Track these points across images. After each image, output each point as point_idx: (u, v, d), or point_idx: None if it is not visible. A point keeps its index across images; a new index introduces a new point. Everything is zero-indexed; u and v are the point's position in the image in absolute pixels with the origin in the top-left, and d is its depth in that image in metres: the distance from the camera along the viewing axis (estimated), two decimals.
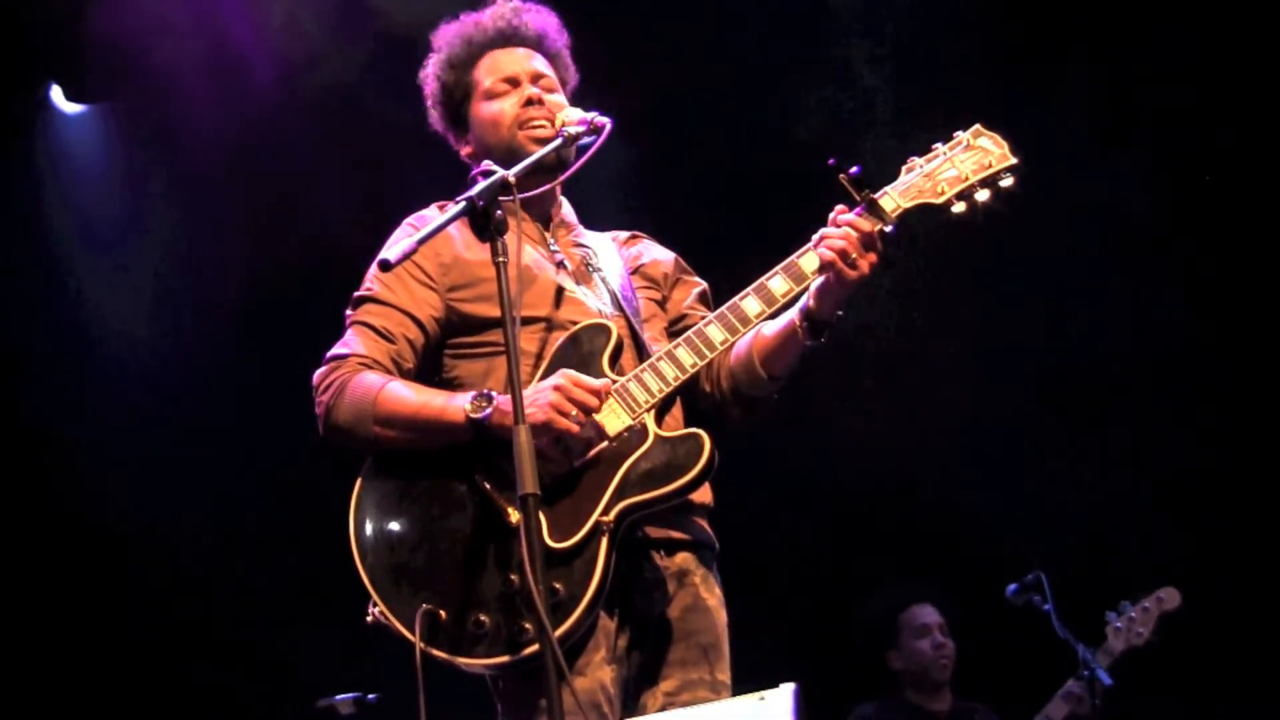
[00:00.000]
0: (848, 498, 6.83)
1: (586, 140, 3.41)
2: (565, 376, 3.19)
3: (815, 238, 3.33)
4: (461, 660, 3.17)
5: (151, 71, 6.45)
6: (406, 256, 3.06)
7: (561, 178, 3.47)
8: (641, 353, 3.43)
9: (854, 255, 3.27)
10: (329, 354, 3.41)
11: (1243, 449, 6.42)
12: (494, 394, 3.21)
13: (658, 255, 3.74)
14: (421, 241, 3.06)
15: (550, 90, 3.59)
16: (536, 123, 3.51)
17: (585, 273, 3.56)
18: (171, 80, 6.49)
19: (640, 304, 3.57)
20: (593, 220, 3.77)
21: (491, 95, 3.58)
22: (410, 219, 3.52)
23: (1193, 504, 6.38)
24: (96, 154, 6.96)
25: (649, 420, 3.29)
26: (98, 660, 6.77)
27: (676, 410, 3.47)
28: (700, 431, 3.28)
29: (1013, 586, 5.80)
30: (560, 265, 3.53)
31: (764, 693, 2.75)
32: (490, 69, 3.61)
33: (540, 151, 3.35)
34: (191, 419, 6.76)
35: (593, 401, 3.18)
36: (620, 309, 3.49)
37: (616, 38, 5.76)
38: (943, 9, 6.45)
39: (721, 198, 6.64)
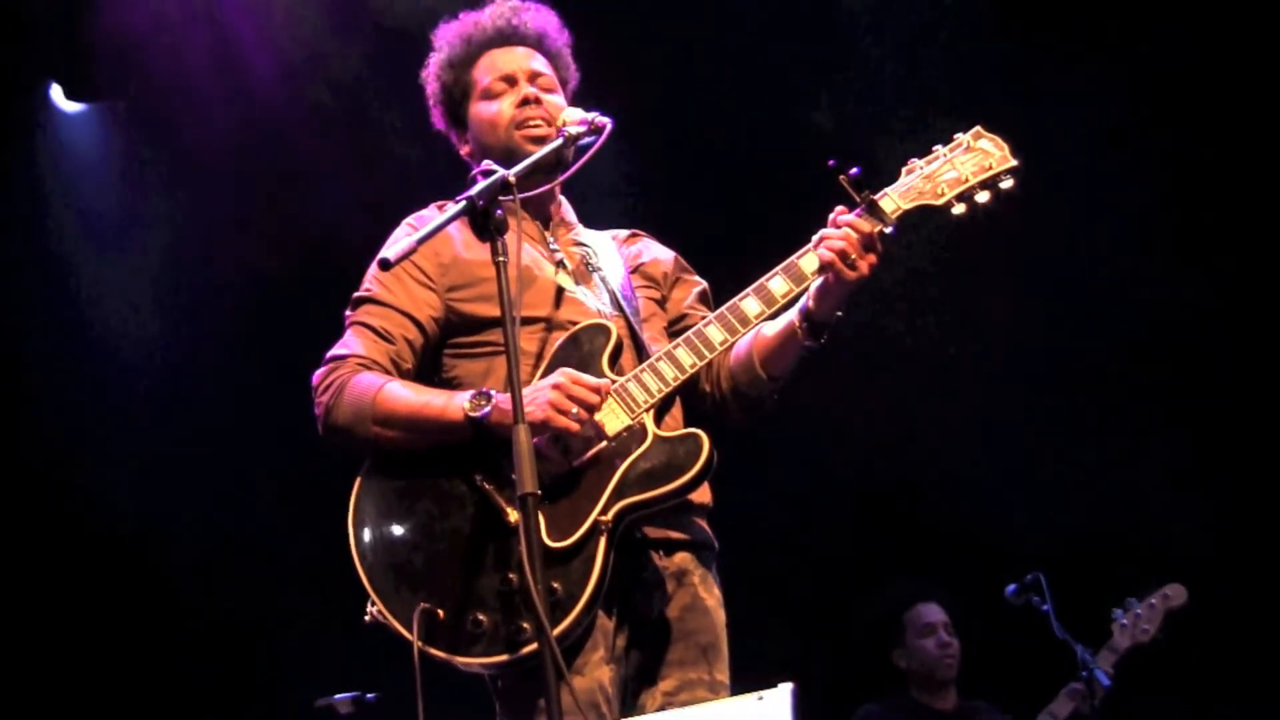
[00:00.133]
0: (848, 497, 6.83)
1: (587, 140, 3.41)
2: (565, 375, 3.19)
3: (815, 239, 3.33)
4: (459, 659, 3.17)
5: (152, 70, 6.46)
6: (406, 256, 3.07)
7: (561, 178, 3.47)
8: (641, 353, 3.43)
9: (854, 256, 3.27)
10: (328, 355, 3.42)
11: (1243, 449, 6.42)
12: (493, 393, 3.21)
13: (658, 254, 3.74)
14: (421, 241, 3.06)
15: (548, 90, 3.58)
16: (533, 123, 3.51)
17: (585, 272, 3.56)
18: (172, 79, 6.50)
19: (640, 303, 3.57)
20: (592, 220, 3.76)
21: (489, 95, 3.58)
22: (409, 219, 3.52)
23: (1195, 504, 6.38)
24: (96, 153, 6.95)
25: (648, 420, 3.29)
26: (97, 660, 6.77)
27: (676, 410, 3.47)
28: (699, 432, 3.28)
29: (1012, 587, 5.79)
30: (560, 264, 3.53)
31: (762, 693, 2.75)
32: (488, 68, 3.61)
33: (540, 151, 3.35)
34: (191, 418, 6.77)
35: (593, 399, 3.18)
36: (620, 308, 3.49)
37: (617, 37, 5.76)
38: (944, 9, 6.46)
39: (721, 198, 6.63)
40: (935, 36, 6.49)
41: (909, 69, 6.53)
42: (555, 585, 3.13)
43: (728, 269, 3.70)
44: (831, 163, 3.30)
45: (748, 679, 3.07)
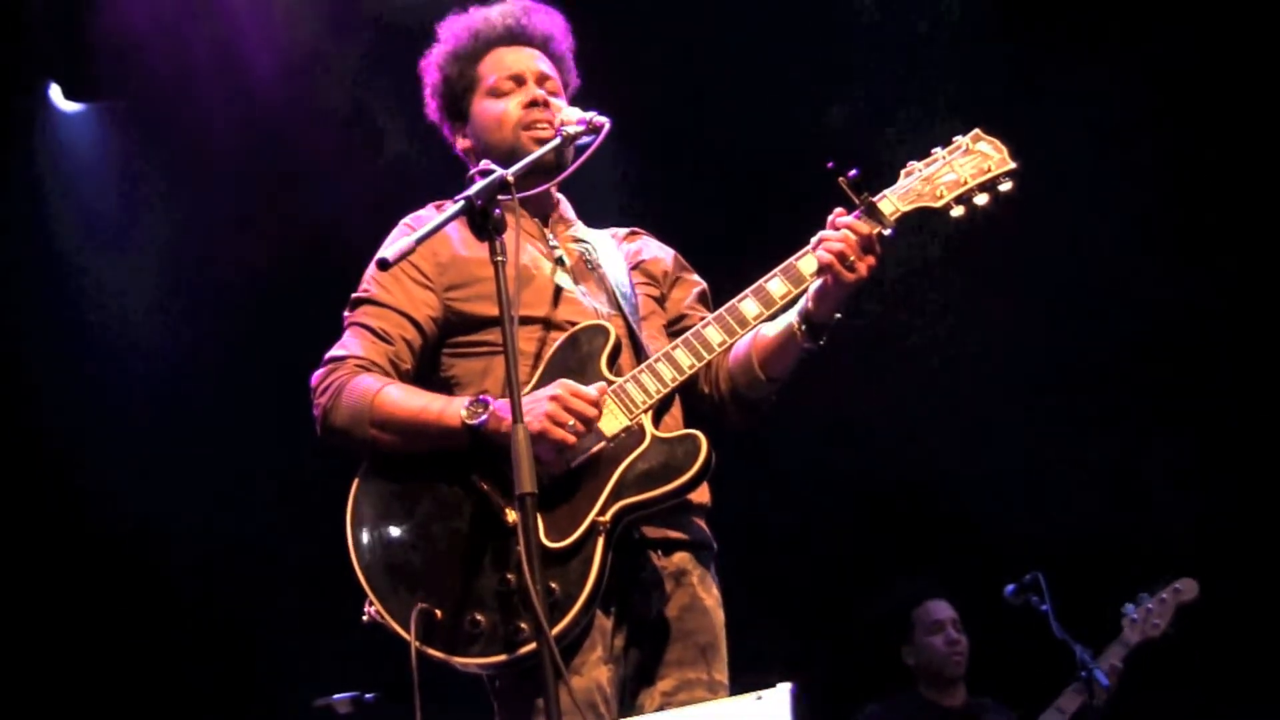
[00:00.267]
0: (848, 497, 6.82)
1: (585, 140, 3.40)
2: (563, 387, 3.18)
3: (814, 240, 3.33)
4: (457, 659, 3.17)
5: (152, 70, 6.45)
6: (404, 256, 3.06)
7: (559, 178, 3.47)
8: (640, 353, 3.43)
9: (852, 258, 3.27)
10: (327, 356, 3.41)
11: (1245, 449, 6.42)
12: (490, 399, 3.20)
13: (657, 252, 3.73)
14: (419, 241, 3.05)
15: (554, 94, 3.57)
16: (540, 125, 3.50)
17: (584, 269, 3.55)
18: (172, 79, 6.49)
19: (639, 301, 3.57)
20: (592, 220, 3.76)
21: (495, 92, 3.57)
22: (407, 219, 3.51)
23: (1197, 504, 6.38)
24: (96, 152, 6.95)
25: (646, 421, 3.29)
26: (97, 659, 6.76)
27: (675, 411, 3.47)
28: (698, 432, 3.27)
29: (1011, 587, 5.78)
30: (559, 262, 3.52)
31: (761, 693, 2.75)
32: (495, 65, 3.60)
33: (539, 151, 3.34)
34: (191, 418, 6.76)
35: (591, 412, 3.17)
36: (619, 307, 3.49)
37: (617, 37, 5.75)
38: (947, 9, 6.45)
39: (721, 198, 6.63)
40: (937, 36, 6.48)
41: (910, 69, 6.53)
42: (553, 585, 3.12)
43: (728, 269, 3.69)
44: (830, 164, 3.29)
45: (747, 679, 3.06)
